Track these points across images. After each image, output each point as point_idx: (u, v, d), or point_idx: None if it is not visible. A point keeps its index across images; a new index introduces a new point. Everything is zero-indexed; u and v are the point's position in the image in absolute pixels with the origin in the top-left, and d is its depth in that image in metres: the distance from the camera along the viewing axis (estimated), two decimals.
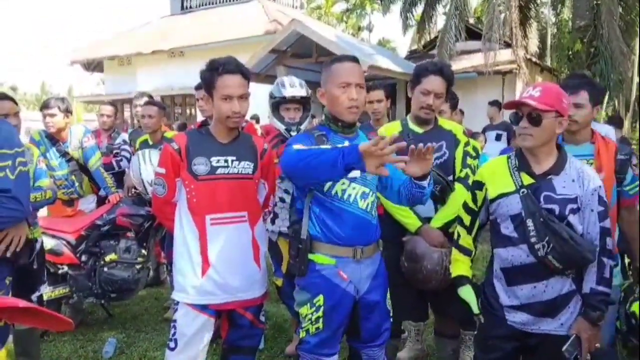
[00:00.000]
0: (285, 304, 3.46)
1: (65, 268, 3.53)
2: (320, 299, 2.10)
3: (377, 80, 4.02)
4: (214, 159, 2.25)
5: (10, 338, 2.80)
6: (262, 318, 2.46)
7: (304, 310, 2.14)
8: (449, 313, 2.78)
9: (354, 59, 2.14)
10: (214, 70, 2.22)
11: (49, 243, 3.30)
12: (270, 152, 2.50)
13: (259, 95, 4.64)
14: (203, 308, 2.27)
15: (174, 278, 2.35)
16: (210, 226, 2.25)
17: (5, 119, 2.47)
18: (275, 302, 4.18)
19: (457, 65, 10.64)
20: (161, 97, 14.22)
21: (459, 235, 2.22)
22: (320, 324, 2.10)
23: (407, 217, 2.58)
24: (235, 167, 2.28)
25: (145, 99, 4.67)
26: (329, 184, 2.05)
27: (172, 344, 2.28)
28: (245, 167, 2.31)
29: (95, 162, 4.10)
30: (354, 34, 26.53)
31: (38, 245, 2.63)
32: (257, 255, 2.38)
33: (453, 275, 2.23)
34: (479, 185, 2.13)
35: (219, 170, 2.25)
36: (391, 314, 2.24)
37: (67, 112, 3.96)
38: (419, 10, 11.88)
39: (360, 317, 2.17)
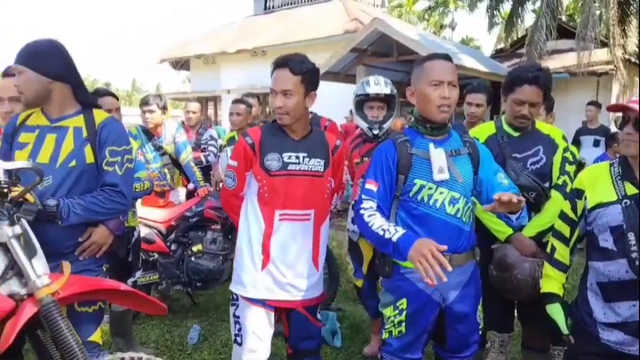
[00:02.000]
0: (364, 305, 3.44)
1: (156, 256, 3.73)
2: (403, 303, 2.08)
3: (476, 81, 3.88)
4: (285, 155, 2.22)
5: (106, 318, 3.00)
6: (319, 316, 2.45)
7: (387, 312, 2.13)
8: (538, 326, 2.64)
9: (447, 57, 2.07)
10: (273, 65, 2.25)
11: (142, 231, 3.50)
12: (342, 149, 2.43)
13: (338, 94, 4.65)
14: (262, 303, 2.26)
15: (234, 271, 2.36)
16: (279, 221, 2.24)
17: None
18: (352, 301, 4.18)
19: (547, 65, 10.09)
20: (243, 95, 14.66)
21: (553, 249, 2.06)
22: (402, 328, 2.08)
23: (498, 224, 2.47)
24: (306, 163, 2.25)
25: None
26: (415, 188, 2.02)
27: (239, 339, 2.30)
28: (316, 164, 2.27)
29: (186, 156, 4.29)
30: (436, 32, 25.97)
31: (136, 234, 2.80)
32: (316, 257, 2.34)
33: (542, 291, 2.09)
34: (578, 193, 1.98)
35: (290, 167, 2.23)
36: (481, 327, 2.16)
37: (164, 108, 4.18)
38: (506, 7, 11.42)
39: (447, 326, 2.11)
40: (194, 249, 3.75)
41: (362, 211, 2.02)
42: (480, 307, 2.16)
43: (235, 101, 4.35)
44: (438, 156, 2.02)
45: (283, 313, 2.36)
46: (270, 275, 2.25)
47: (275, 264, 2.24)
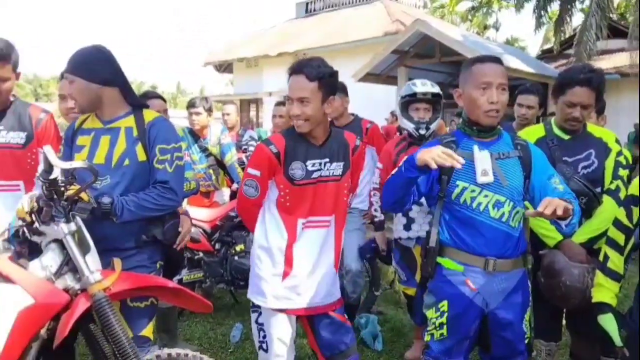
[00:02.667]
0: (411, 313, 3.41)
1: (201, 254, 3.81)
2: (444, 305, 2.05)
3: (529, 82, 3.80)
4: (309, 163, 2.18)
5: None
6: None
7: (429, 314, 2.11)
8: (588, 335, 2.55)
9: (497, 60, 2.03)
10: (288, 71, 2.19)
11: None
12: (362, 149, 2.38)
13: (379, 96, 4.65)
14: (283, 311, 2.25)
15: (251, 279, 2.34)
16: (302, 230, 2.21)
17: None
18: (393, 305, 4.16)
19: (598, 65, 9.74)
20: (284, 97, 14.81)
21: (607, 257, 1.98)
22: (444, 331, 2.06)
23: (547, 229, 2.40)
24: (327, 169, 2.21)
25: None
26: (457, 190, 1.99)
27: (264, 346, 2.30)
28: (336, 168, 2.24)
29: (230, 157, 4.35)
30: (479, 32, 25.46)
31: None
32: (337, 261, 2.32)
33: (594, 300, 2.01)
34: (634, 200, 1.91)
35: (314, 174, 2.19)
36: (527, 335, 2.10)
37: (209, 110, 4.25)
38: (554, 6, 11.08)
39: (491, 333, 2.07)
40: (237, 248, 3.81)
41: (391, 177, 2.04)
42: (527, 316, 2.10)
43: (278, 104, 4.40)
44: (482, 158, 1.99)
45: (305, 322, 2.33)
46: (292, 284, 2.21)
47: (298, 273, 2.21)
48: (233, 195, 4.55)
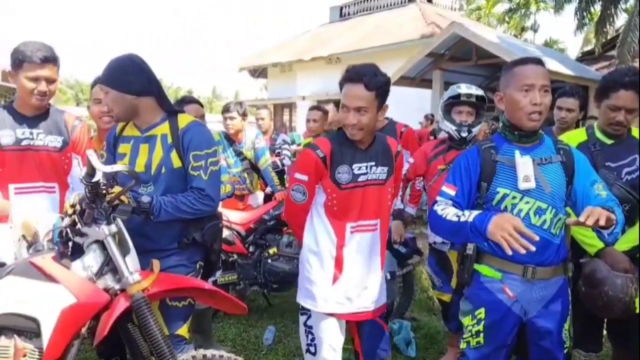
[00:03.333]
0: (445, 319, 3.36)
1: (235, 257, 3.86)
2: (481, 312, 2.03)
3: (568, 85, 3.71)
4: (355, 167, 2.19)
5: None
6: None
7: (466, 321, 2.09)
8: (630, 346, 2.46)
9: (539, 61, 1.98)
10: (343, 78, 2.18)
11: (224, 233, 3.63)
12: (402, 155, 2.39)
13: (413, 99, 4.64)
14: (332, 314, 2.26)
15: (300, 283, 2.34)
16: (350, 233, 2.22)
17: None
18: (426, 311, 4.11)
19: None
20: (317, 101, 14.90)
21: None
22: (480, 338, 2.03)
23: (588, 237, 2.33)
24: (373, 172, 2.22)
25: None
26: (498, 197, 1.96)
27: (312, 349, 2.31)
28: (381, 173, 2.25)
29: (265, 161, 4.42)
30: (517, 34, 24.96)
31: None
32: (383, 264, 2.34)
33: (638, 311, 1.96)
34: None
35: (361, 178, 2.20)
36: (566, 345, 2.05)
37: (244, 115, 4.32)
38: (596, 7, 10.75)
39: (529, 341, 2.03)
40: (271, 251, 3.85)
41: (435, 207, 1.99)
42: (567, 325, 2.04)
43: (312, 108, 4.47)
44: (524, 164, 1.94)
45: (353, 324, 2.35)
46: (342, 288, 2.23)
47: (347, 277, 2.23)
48: (267, 199, 4.60)
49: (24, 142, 2.37)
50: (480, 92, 3.02)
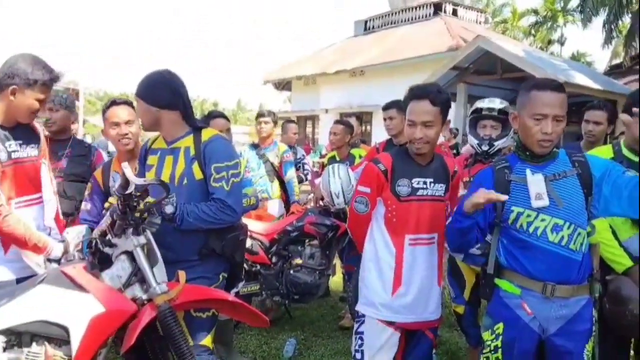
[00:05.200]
0: (464, 332, 3.33)
1: (258, 267, 3.89)
2: (500, 327, 2.02)
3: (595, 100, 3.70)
4: (415, 181, 2.28)
5: None
6: None
7: (485, 336, 2.09)
8: None
9: (558, 87, 1.95)
10: (409, 96, 2.29)
11: (247, 243, 3.67)
12: (459, 175, 2.47)
13: None
14: (390, 323, 2.30)
15: (360, 291, 2.42)
16: (409, 246, 2.28)
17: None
18: (448, 327, 4.06)
19: None
20: (340, 114, 14.97)
21: None
22: (499, 354, 2.02)
23: (616, 255, 2.28)
24: (432, 188, 2.29)
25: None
26: (513, 215, 1.97)
27: (358, 355, 2.35)
28: (439, 189, 2.32)
29: (291, 174, 4.65)
30: (543, 47, 24.71)
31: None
32: (440, 277, 2.39)
33: None
34: None
35: (420, 192, 2.28)
36: None
37: (275, 122, 4.75)
38: (625, 20, 10.58)
39: None
40: (293, 262, 3.87)
41: (448, 223, 2.08)
42: (589, 346, 2.00)
43: (336, 122, 4.59)
44: (536, 182, 1.94)
45: (403, 333, 2.38)
46: (402, 299, 2.29)
47: (407, 288, 2.29)
48: (286, 208, 4.68)
49: (14, 155, 2.27)
50: (503, 105, 3.01)
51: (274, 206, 4.62)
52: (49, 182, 2.44)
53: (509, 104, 3.09)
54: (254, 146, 4.73)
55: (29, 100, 2.20)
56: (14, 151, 2.26)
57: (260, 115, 4.75)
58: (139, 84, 2.23)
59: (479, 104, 3.06)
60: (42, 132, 2.49)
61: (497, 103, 3.02)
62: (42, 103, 2.28)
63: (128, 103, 2.77)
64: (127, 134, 2.66)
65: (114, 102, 2.78)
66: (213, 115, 3.50)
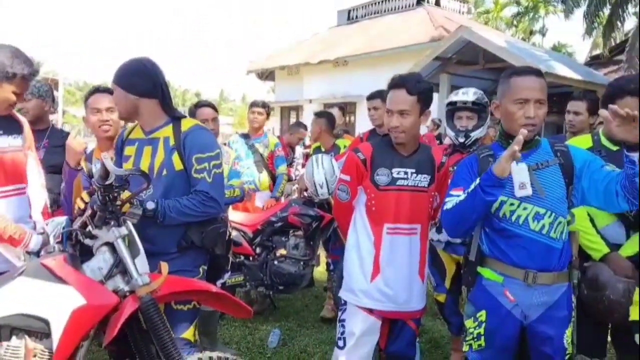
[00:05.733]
0: (446, 321, 3.37)
1: (242, 258, 3.89)
2: (482, 315, 2.05)
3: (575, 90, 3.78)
4: (395, 170, 2.30)
5: None
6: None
7: (468, 323, 2.12)
8: (634, 352, 2.46)
9: (537, 73, 2.00)
10: (388, 86, 2.30)
11: (233, 234, 3.66)
12: (447, 166, 2.48)
13: None
14: (370, 311, 2.33)
15: (344, 280, 2.45)
16: (387, 234, 2.30)
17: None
18: (431, 316, 4.11)
19: None
20: (324, 104, 14.94)
21: None
22: (482, 341, 2.06)
23: (593, 242, 2.33)
24: (413, 179, 2.31)
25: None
26: (496, 204, 1.98)
27: (340, 343, 2.38)
28: (422, 180, 2.33)
29: (283, 169, 4.63)
30: (525, 38, 24.91)
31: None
32: (422, 269, 2.40)
33: (631, 318, 1.98)
34: None
35: (399, 182, 2.30)
36: (568, 352, 2.05)
37: (268, 114, 4.71)
38: (605, 11, 10.70)
39: (530, 346, 2.05)
40: (277, 253, 3.87)
41: (445, 207, 2.02)
42: (568, 332, 2.05)
43: (315, 113, 4.64)
44: (519, 172, 1.96)
45: (386, 322, 2.41)
46: (380, 286, 2.32)
47: (385, 276, 2.31)
48: None
49: None
50: (476, 96, 3.03)
51: (262, 198, 4.60)
52: (36, 175, 2.41)
53: (491, 94, 3.12)
54: (244, 136, 4.69)
55: (6, 93, 2.17)
56: None
57: (254, 105, 4.66)
58: (117, 72, 2.18)
59: (453, 97, 3.09)
60: (25, 122, 2.44)
61: (470, 95, 3.04)
62: (20, 96, 2.24)
63: (110, 91, 2.68)
64: (107, 121, 2.65)
65: (97, 90, 2.75)
66: (200, 105, 3.50)
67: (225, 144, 4.14)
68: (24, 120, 2.44)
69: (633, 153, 1.76)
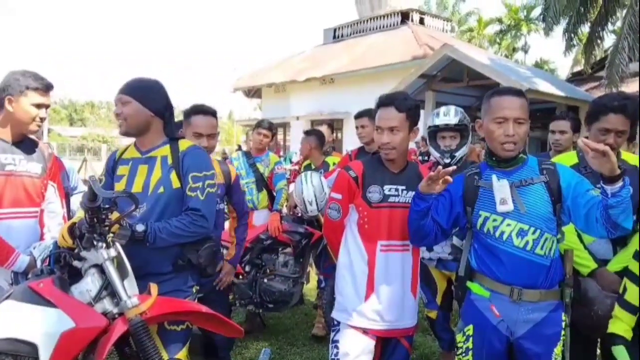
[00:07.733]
0: (437, 337, 3.37)
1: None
2: (470, 329, 2.08)
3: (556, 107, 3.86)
4: (386, 188, 2.31)
5: None
6: None
7: (458, 338, 2.14)
8: None
9: (517, 92, 2.06)
10: (377, 104, 2.35)
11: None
12: None
13: None
14: (364, 331, 2.31)
15: (336, 300, 2.43)
16: (380, 252, 2.30)
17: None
18: (421, 332, 4.10)
19: (630, 88, 9.58)
20: (311, 121, 15.01)
21: (625, 289, 1.98)
22: (469, 356, 2.07)
23: (581, 257, 2.35)
24: (404, 196, 2.32)
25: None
26: (480, 220, 2.03)
27: None
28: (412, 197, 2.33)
29: (282, 185, 4.46)
30: (508, 55, 25.38)
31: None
32: (414, 286, 2.39)
33: (608, 331, 2.01)
34: None
35: (391, 199, 2.31)
36: None
37: (274, 136, 4.63)
38: (584, 29, 10.97)
39: None
40: (267, 270, 3.84)
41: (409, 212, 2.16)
42: (557, 350, 2.05)
43: (305, 132, 4.60)
44: (500, 188, 2.01)
45: (379, 341, 2.39)
46: (374, 305, 2.30)
47: (379, 294, 2.30)
48: None
49: (8, 168, 2.34)
50: (456, 119, 3.03)
51: (260, 217, 4.52)
52: (57, 206, 2.54)
53: (475, 111, 3.15)
54: (246, 154, 4.59)
55: (25, 107, 2.31)
56: (9, 164, 2.35)
57: (261, 126, 4.48)
58: (131, 85, 2.19)
59: (435, 118, 3.08)
60: (49, 155, 2.57)
61: (451, 116, 3.05)
62: (40, 107, 2.35)
63: (213, 113, 2.84)
64: (205, 147, 2.68)
65: (201, 110, 2.82)
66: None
67: (225, 158, 4.09)
68: (47, 152, 2.56)
69: (609, 185, 1.78)
